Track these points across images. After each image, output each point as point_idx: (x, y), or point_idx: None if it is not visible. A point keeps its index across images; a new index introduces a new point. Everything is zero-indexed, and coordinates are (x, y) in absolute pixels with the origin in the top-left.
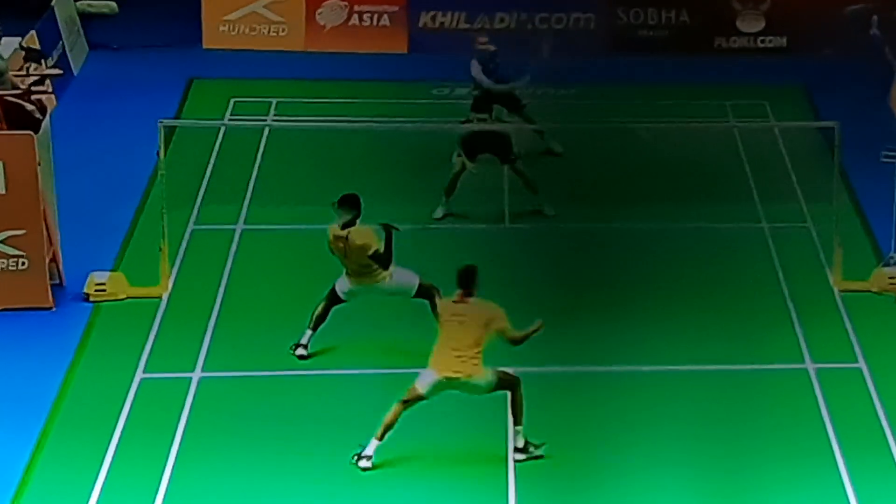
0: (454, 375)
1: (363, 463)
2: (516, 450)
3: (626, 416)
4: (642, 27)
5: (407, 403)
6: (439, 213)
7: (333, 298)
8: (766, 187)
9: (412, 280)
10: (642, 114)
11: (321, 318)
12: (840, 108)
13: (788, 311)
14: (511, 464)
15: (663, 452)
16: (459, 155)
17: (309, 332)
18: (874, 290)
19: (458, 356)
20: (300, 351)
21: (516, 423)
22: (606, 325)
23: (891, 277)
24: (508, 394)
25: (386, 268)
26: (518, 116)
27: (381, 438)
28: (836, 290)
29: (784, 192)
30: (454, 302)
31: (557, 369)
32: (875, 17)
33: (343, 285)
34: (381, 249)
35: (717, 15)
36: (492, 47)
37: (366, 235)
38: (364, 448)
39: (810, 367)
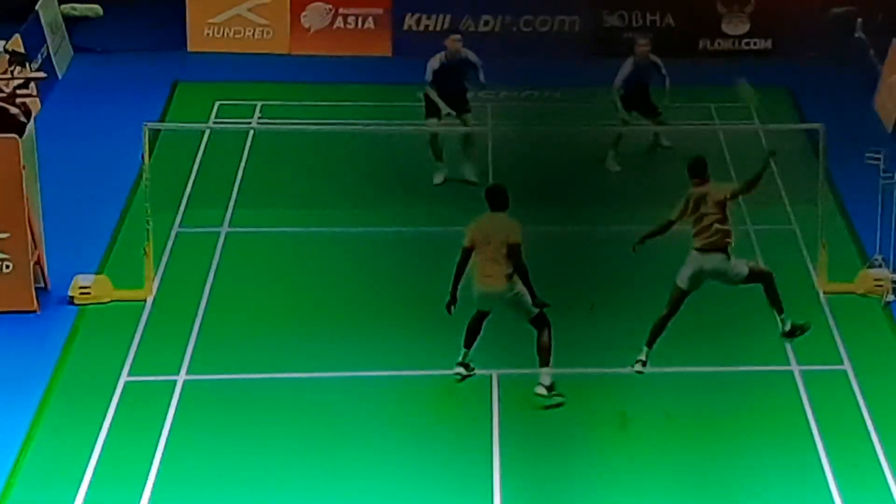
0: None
1: None
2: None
3: (610, 418)
4: (627, 30)
5: (678, 303)
6: (439, 178)
7: (479, 316)
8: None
9: (532, 306)
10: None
11: (474, 333)
12: (825, 110)
13: (773, 313)
14: (497, 458)
15: (648, 453)
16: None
17: (464, 350)
18: (859, 292)
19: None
20: (460, 370)
21: (779, 312)
22: (591, 327)
23: (876, 279)
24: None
25: (519, 273)
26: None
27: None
28: (821, 291)
29: (769, 195)
30: (696, 187)
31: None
32: (859, 20)
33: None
34: (521, 244)
35: (701, 18)
36: (653, 57)
37: (513, 226)
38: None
39: (795, 369)
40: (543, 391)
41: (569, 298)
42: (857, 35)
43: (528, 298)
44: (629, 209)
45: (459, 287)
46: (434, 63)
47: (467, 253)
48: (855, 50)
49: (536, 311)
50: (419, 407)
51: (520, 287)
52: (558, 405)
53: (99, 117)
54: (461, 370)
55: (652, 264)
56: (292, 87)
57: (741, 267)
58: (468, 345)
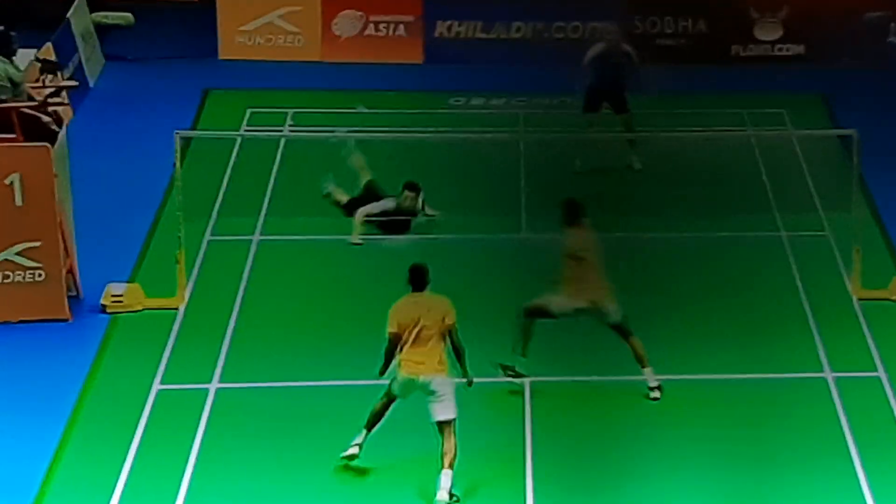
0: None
1: None
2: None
3: (644, 426)
4: (660, 36)
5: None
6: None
7: (388, 402)
8: (784, 196)
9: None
10: (660, 123)
11: (378, 417)
12: (858, 116)
13: (807, 320)
14: (529, 466)
15: (680, 462)
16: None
17: (364, 431)
18: (893, 298)
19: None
20: (353, 450)
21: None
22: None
23: None
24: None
25: (457, 354)
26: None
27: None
28: (854, 298)
29: (802, 201)
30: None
31: (576, 379)
32: (893, 25)
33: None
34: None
35: (734, 23)
36: (625, 47)
37: (447, 304)
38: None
39: (829, 376)
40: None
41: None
42: (890, 40)
43: (451, 393)
44: (658, 216)
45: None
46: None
47: (396, 339)
48: (889, 55)
49: (452, 417)
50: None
51: (447, 378)
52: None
53: (130, 125)
54: (355, 451)
55: (680, 271)
56: (323, 94)
57: None
58: (370, 427)
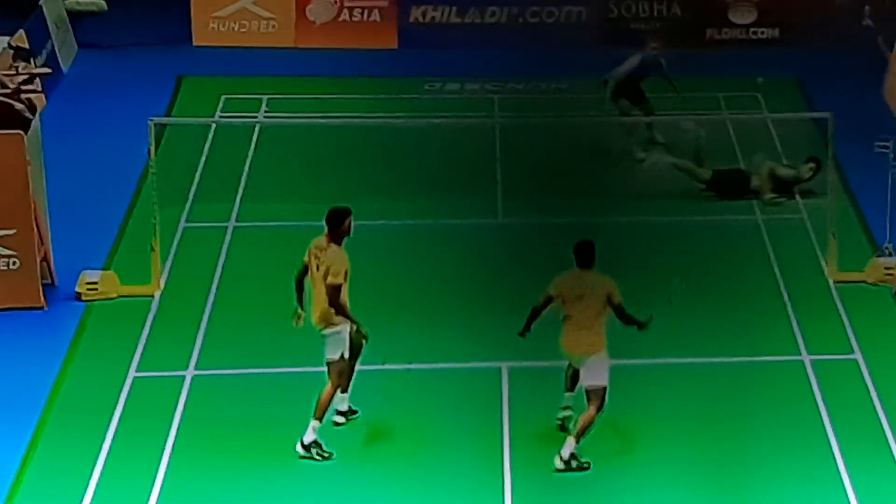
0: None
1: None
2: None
3: (621, 409)
4: (634, 20)
5: None
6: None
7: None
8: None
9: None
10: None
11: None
12: (833, 99)
13: (784, 303)
14: (507, 450)
15: (658, 444)
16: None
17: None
18: (869, 280)
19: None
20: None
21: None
22: None
23: (886, 268)
24: None
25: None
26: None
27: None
28: (831, 281)
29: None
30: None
31: (553, 364)
32: (867, 8)
33: None
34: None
35: (708, 7)
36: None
37: (342, 258)
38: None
39: (806, 358)
40: None
41: None
42: (865, 22)
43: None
44: (636, 200)
45: None
46: None
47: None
48: (863, 38)
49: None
50: (429, 399)
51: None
52: None
53: (104, 112)
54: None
55: (657, 256)
56: (298, 80)
57: None
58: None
